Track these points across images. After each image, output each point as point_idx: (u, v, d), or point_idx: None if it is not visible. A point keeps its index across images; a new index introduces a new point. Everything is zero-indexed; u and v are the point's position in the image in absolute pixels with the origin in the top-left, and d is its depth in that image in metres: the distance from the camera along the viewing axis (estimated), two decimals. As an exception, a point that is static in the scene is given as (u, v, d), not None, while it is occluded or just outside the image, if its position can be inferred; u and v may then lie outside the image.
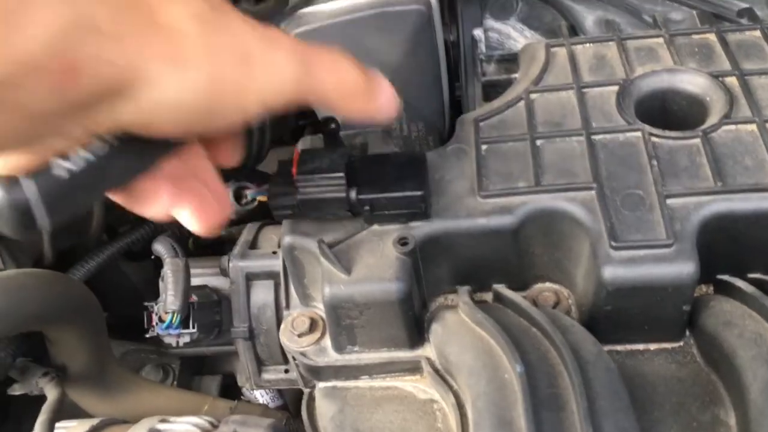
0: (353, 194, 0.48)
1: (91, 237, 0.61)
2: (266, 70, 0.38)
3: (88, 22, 0.31)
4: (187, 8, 0.35)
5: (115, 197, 0.40)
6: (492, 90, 0.64)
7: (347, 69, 0.42)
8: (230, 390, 0.81)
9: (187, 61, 0.34)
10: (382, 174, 0.49)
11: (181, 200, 0.42)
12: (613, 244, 0.46)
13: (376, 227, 0.51)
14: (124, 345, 0.77)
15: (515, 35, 0.69)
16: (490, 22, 0.70)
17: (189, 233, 0.76)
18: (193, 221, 0.42)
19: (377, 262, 0.49)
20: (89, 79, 0.31)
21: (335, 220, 0.51)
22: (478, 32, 0.70)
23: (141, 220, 0.66)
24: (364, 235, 0.51)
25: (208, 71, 0.35)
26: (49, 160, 0.35)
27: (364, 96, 0.42)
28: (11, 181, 0.35)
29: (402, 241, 0.49)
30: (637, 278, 0.46)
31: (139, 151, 0.38)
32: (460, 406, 0.46)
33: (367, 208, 0.49)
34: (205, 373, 0.85)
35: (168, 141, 0.38)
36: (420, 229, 0.50)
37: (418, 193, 0.48)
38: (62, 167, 0.36)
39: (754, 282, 0.48)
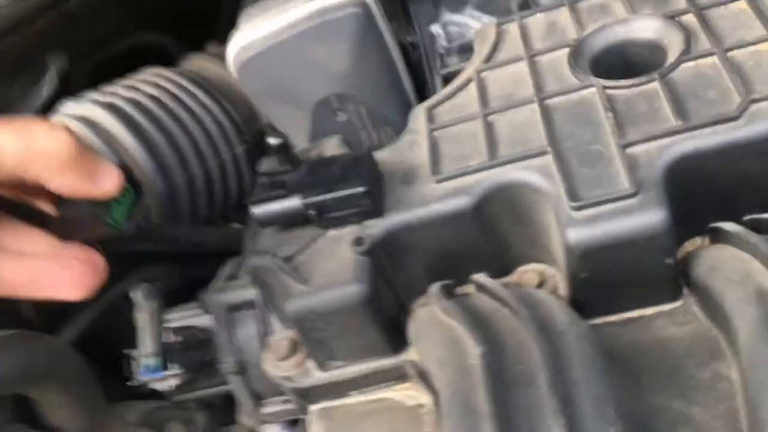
0: (298, 200, 0.47)
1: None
2: None
3: None
4: None
5: None
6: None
7: (64, 136, 0.41)
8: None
9: None
10: (327, 176, 0.48)
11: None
12: (573, 204, 0.43)
13: (333, 233, 0.49)
14: (144, 404, 0.76)
15: (473, 23, 0.67)
16: (446, 16, 0.69)
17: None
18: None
19: (335, 267, 0.47)
20: None
21: (294, 232, 0.50)
22: (435, 28, 0.68)
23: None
24: (322, 242, 0.49)
25: None
26: None
27: (80, 166, 0.41)
28: None
29: (358, 242, 0.47)
30: (604, 236, 0.42)
31: None
32: (438, 404, 0.43)
33: (313, 212, 0.47)
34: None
35: None
36: (376, 227, 0.47)
37: (361, 189, 0.46)
38: None
39: (746, 223, 0.44)
